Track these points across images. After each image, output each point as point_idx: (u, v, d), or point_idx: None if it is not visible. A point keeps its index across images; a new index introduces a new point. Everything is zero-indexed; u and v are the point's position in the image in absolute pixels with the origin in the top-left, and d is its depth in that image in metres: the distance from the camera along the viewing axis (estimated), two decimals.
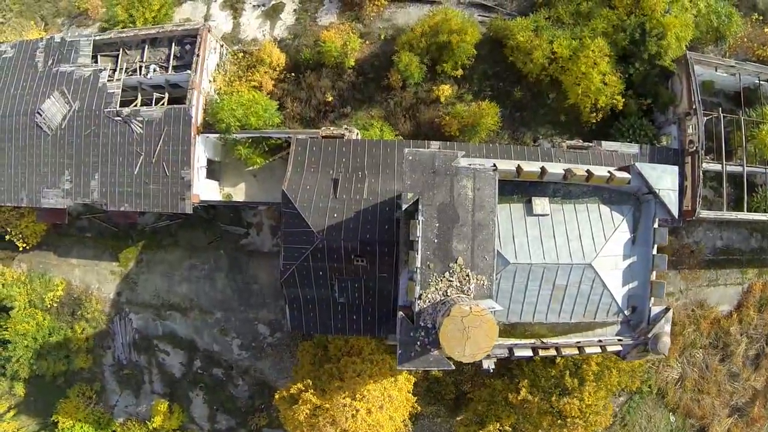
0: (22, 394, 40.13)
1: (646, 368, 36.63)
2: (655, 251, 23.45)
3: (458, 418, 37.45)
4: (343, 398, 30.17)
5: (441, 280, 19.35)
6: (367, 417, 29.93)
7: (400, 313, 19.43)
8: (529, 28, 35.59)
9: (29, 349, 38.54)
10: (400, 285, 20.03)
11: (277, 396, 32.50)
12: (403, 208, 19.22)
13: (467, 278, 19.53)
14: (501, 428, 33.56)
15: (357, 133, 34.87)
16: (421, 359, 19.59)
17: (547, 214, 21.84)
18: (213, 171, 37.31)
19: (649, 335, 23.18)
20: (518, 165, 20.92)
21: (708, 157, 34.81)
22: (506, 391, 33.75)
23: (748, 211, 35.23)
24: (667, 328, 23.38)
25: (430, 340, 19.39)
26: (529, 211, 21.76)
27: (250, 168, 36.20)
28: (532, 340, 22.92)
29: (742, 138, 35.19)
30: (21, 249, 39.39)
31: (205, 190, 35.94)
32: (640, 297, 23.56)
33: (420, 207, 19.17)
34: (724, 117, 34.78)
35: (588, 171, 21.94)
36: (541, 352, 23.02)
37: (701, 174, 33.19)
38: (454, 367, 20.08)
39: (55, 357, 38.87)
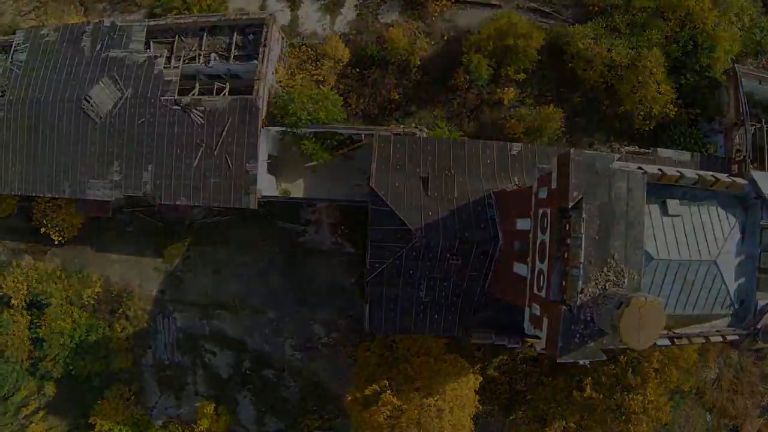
0: (52, 394, 37.91)
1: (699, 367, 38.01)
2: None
3: (511, 417, 37.77)
4: (424, 398, 29.95)
5: (600, 275, 19.79)
6: (451, 416, 29.84)
7: (563, 307, 19.69)
8: (589, 36, 36.52)
9: (65, 347, 36.51)
10: (553, 282, 20.27)
11: (349, 398, 31.86)
12: (570, 206, 19.52)
13: (621, 273, 20.10)
14: (566, 426, 34.03)
15: (426, 132, 34.79)
16: (579, 351, 20.00)
17: (680, 215, 22.89)
18: (270, 166, 36.38)
19: (758, 326, 24.44)
20: (660, 169, 21.81)
21: (752, 166, 36.65)
22: (569, 389, 34.35)
23: None
24: None
25: (589, 332, 19.79)
26: (665, 212, 22.97)
27: (312, 164, 35.45)
28: (665, 331, 23.81)
29: None
30: (56, 242, 37.23)
31: (265, 185, 35.05)
32: (747, 291, 24.87)
33: (584, 205, 19.57)
34: (766, 127, 36.69)
35: (713, 176, 23.01)
36: (676, 341, 23.91)
37: None
38: (606, 357, 20.66)
39: (92, 356, 36.87)
